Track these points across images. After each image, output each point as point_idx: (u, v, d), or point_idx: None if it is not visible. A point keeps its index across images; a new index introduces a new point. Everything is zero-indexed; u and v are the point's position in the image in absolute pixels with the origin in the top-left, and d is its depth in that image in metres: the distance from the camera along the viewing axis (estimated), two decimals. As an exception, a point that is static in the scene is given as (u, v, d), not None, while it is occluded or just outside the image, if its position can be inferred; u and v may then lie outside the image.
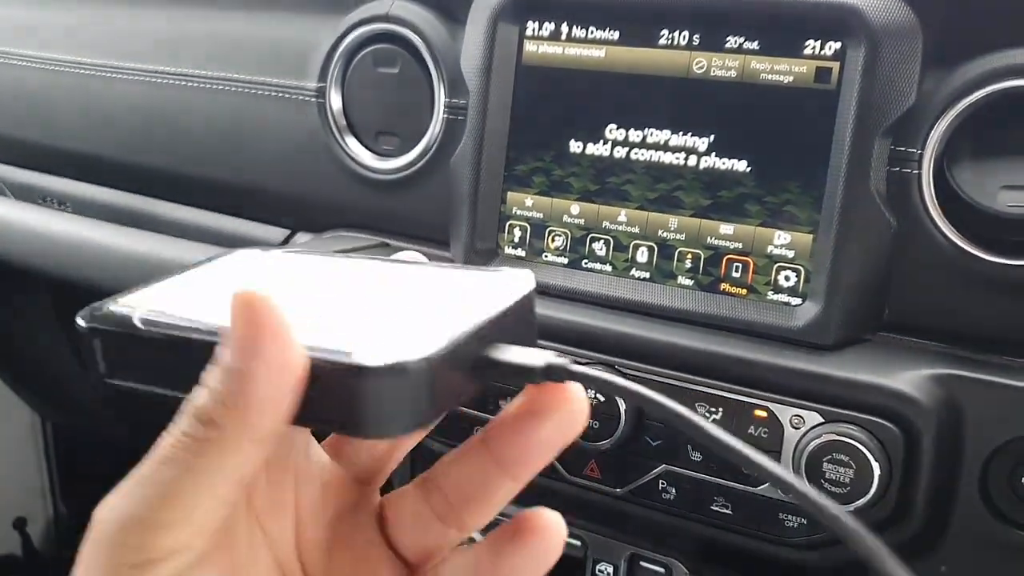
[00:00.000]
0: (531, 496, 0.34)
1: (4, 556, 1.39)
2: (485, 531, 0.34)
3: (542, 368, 0.29)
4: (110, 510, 0.28)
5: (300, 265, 0.38)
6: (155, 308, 0.32)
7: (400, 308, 0.32)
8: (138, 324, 0.31)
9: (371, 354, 0.27)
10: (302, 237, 0.88)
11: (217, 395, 0.27)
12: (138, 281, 0.87)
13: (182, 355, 0.30)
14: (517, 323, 0.32)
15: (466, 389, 0.30)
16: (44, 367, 1.31)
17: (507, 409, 0.32)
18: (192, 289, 0.35)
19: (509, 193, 0.72)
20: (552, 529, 0.32)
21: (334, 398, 0.28)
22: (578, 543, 0.74)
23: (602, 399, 0.64)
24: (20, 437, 1.43)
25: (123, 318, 0.32)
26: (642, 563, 0.73)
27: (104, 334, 0.32)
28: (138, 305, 0.32)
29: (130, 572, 0.27)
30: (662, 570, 0.73)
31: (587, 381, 0.30)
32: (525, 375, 0.30)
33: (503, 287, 0.32)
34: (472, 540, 0.35)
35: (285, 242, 0.88)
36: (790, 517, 0.63)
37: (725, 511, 0.65)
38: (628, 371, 0.65)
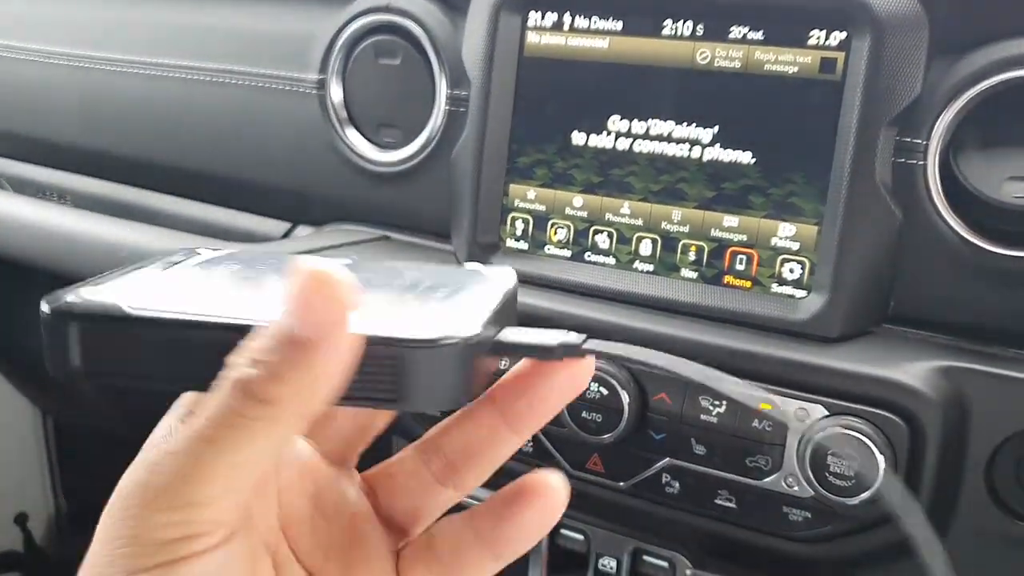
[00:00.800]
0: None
1: (6, 552, 1.39)
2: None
3: (559, 346, 0.31)
4: (137, 485, 0.27)
5: (270, 263, 0.37)
6: (137, 300, 0.30)
7: (408, 299, 0.32)
8: (128, 310, 0.29)
9: (421, 331, 0.28)
10: (303, 230, 0.87)
11: (274, 369, 0.26)
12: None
13: (184, 345, 0.29)
14: (508, 313, 0.33)
15: (489, 371, 0.31)
16: (44, 362, 1.30)
17: (514, 368, 0.33)
18: (161, 283, 0.33)
19: (511, 185, 0.72)
20: (555, 489, 0.32)
21: (381, 374, 0.28)
22: (581, 537, 0.73)
23: (605, 392, 0.64)
24: (21, 432, 1.42)
25: (106, 304, 0.30)
26: (645, 557, 0.73)
27: (82, 319, 0.29)
28: (113, 295, 0.30)
29: (164, 548, 0.26)
30: (666, 564, 0.73)
31: (603, 356, 0.31)
32: (543, 354, 0.31)
33: (491, 281, 0.34)
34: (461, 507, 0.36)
35: (286, 235, 0.88)
36: (794, 511, 0.62)
37: (729, 505, 0.64)
38: (632, 364, 0.65)
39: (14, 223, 0.96)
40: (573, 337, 0.31)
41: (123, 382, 0.30)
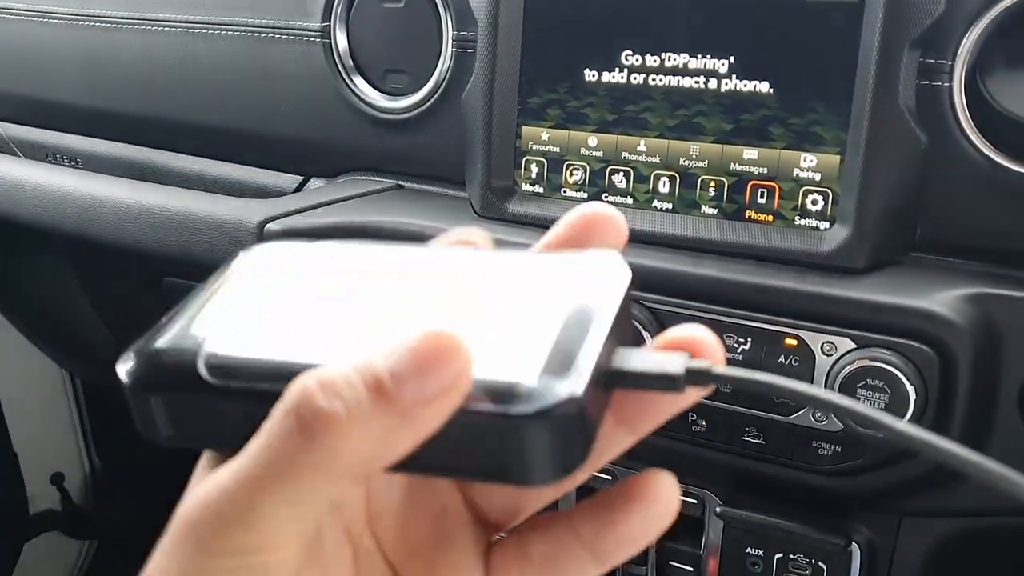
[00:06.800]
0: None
1: (44, 511, 1.42)
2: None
3: (683, 375, 0.26)
4: (190, 525, 0.25)
5: (339, 261, 0.32)
6: (215, 349, 0.27)
7: (503, 320, 0.27)
8: (211, 379, 0.27)
9: (519, 398, 0.24)
10: (316, 183, 0.86)
11: (349, 415, 0.24)
12: (152, 234, 0.85)
13: (264, 406, 0.25)
14: (624, 320, 0.28)
15: (605, 407, 0.27)
16: (66, 325, 1.31)
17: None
18: (236, 313, 0.29)
19: (524, 127, 0.70)
20: (666, 494, 0.29)
21: (477, 446, 0.25)
22: (609, 478, 0.73)
23: (631, 319, 0.63)
24: (50, 394, 1.44)
25: (185, 375, 0.27)
26: (675, 496, 0.73)
27: (164, 393, 0.27)
28: (189, 342, 0.28)
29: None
30: (695, 501, 0.73)
31: (733, 382, 0.27)
32: (665, 384, 0.27)
33: (599, 278, 0.28)
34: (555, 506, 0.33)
35: (299, 188, 0.87)
36: (824, 445, 0.62)
37: (757, 441, 0.64)
38: (655, 305, 0.64)
39: (31, 189, 0.95)
40: (702, 364, 0.27)
41: (217, 444, 0.28)
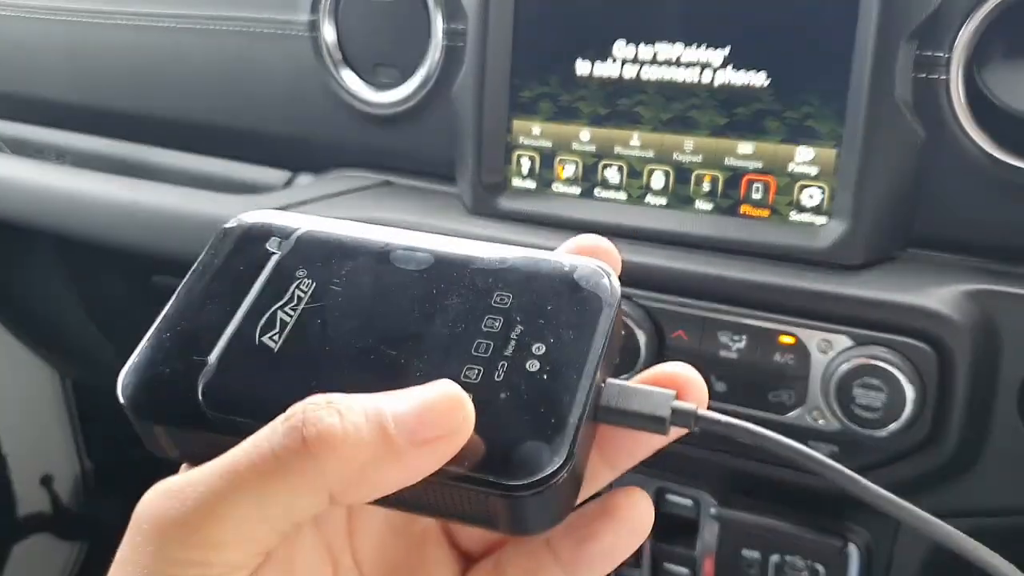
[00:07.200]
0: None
1: (33, 514, 1.40)
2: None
3: (668, 417, 0.27)
4: (153, 512, 0.25)
5: (331, 253, 0.31)
6: (214, 380, 0.27)
7: (494, 360, 0.27)
8: (210, 413, 0.27)
9: (509, 472, 0.25)
10: (303, 179, 0.85)
11: (342, 438, 0.24)
12: (143, 233, 0.84)
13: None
14: (614, 340, 0.29)
15: (592, 439, 0.28)
16: (55, 324, 1.30)
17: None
18: (233, 326, 0.29)
19: (515, 121, 0.69)
20: (641, 509, 0.29)
21: (467, 501, 0.26)
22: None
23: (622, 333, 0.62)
24: (41, 395, 1.43)
25: (183, 399, 0.27)
26: (669, 496, 0.72)
27: (165, 422, 0.27)
28: (187, 368, 0.28)
29: None
30: (690, 503, 0.72)
31: (717, 426, 0.27)
32: (651, 424, 0.28)
33: (589, 302, 0.29)
34: None
35: (287, 184, 0.86)
36: (820, 445, 0.61)
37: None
38: (648, 302, 0.63)
39: (18, 186, 0.94)
40: (684, 405, 0.27)
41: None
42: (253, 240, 0.31)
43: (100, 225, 0.88)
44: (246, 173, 0.88)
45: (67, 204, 0.91)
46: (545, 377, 0.27)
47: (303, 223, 0.32)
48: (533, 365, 0.27)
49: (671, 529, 0.73)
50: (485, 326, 0.28)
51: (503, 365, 0.27)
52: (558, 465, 0.25)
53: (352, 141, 0.80)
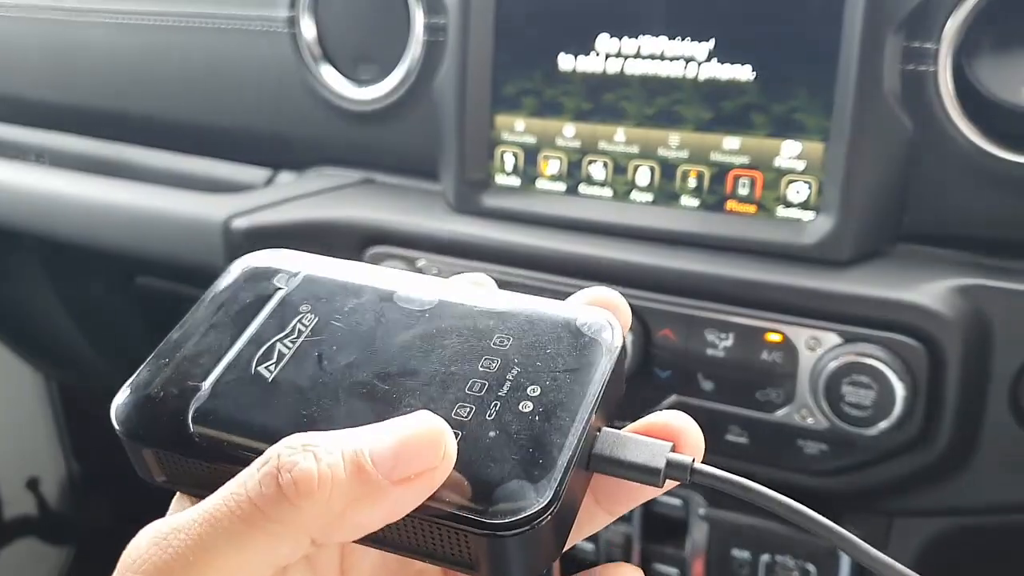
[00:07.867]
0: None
1: (19, 516, 1.39)
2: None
3: (663, 469, 0.27)
4: (138, 557, 0.25)
5: (339, 295, 0.31)
6: (204, 406, 0.28)
7: (486, 401, 0.27)
8: (194, 434, 0.27)
9: (493, 504, 0.24)
10: (284, 176, 0.84)
11: (322, 487, 0.24)
12: (122, 233, 0.83)
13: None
14: (613, 386, 0.29)
15: (586, 485, 0.28)
16: (39, 326, 1.29)
17: None
18: (229, 357, 0.29)
19: (498, 117, 0.68)
20: None
21: (451, 541, 0.25)
22: (591, 547, 0.72)
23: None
24: (27, 398, 1.42)
25: (173, 423, 0.27)
26: (659, 498, 0.71)
27: (156, 447, 0.28)
28: (180, 394, 0.28)
29: None
30: (679, 502, 0.71)
31: (712, 481, 0.27)
32: (645, 476, 0.27)
33: (587, 342, 0.29)
34: None
35: (268, 182, 0.84)
36: (809, 444, 0.60)
37: (741, 441, 0.62)
38: (634, 301, 0.62)
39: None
40: (679, 457, 0.27)
41: (209, 492, 0.27)
42: (261, 276, 0.32)
43: (81, 226, 0.87)
44: (226, 171, 0.87)
45: (47, 206, 0.90)
46: (537, 418, 0.26)
47: (311, 262, 0.32)
48: (526, 406, 0.27)
49: (660, 529, 0.72)
50: (482, 366, 0.28)
51: (495, 404, 0.27)
52: (542, 505, 0.24)
53: (333, 138, 0.79)
